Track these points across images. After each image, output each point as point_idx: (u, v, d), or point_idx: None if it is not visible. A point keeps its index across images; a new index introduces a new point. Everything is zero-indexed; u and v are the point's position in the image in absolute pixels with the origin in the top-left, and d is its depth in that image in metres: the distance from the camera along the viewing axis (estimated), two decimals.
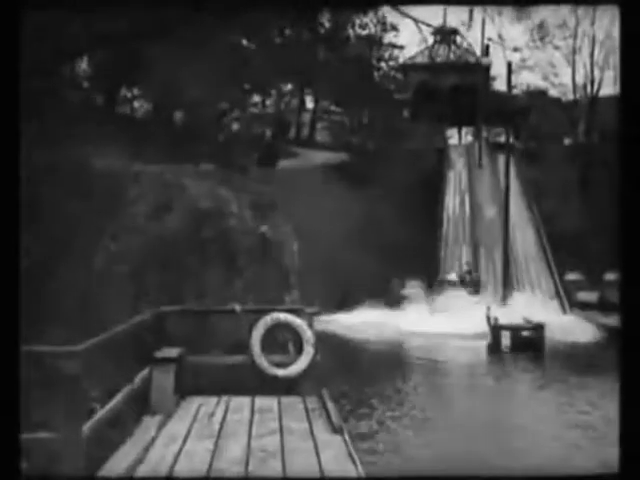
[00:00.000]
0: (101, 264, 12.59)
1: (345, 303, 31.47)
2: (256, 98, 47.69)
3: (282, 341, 11.12)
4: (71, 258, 11.34)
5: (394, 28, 49.17)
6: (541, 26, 44.70)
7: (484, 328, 23.74)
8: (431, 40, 46.39)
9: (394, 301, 32.39)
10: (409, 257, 34.23)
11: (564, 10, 40.92)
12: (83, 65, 28.91)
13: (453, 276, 34.44)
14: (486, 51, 46.72)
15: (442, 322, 26.80)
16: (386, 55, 51.13)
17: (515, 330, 23.65)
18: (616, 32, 33.71)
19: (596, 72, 47.00)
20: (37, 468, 5.63)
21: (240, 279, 14.13)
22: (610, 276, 31.07)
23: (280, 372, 10.38)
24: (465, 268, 35.52)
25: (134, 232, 13.49)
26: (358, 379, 17.19)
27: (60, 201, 11.18)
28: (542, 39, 45.30)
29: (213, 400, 9.69)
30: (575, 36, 46.57)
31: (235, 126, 46.63)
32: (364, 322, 28.39)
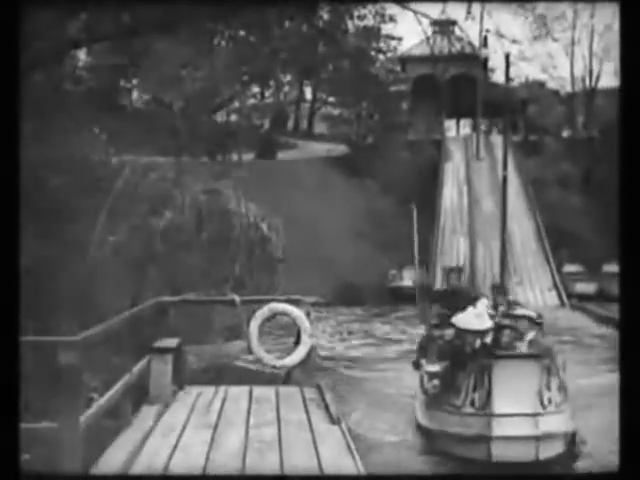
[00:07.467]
0: (101, 256, 12.59)
1: (344, 296, 31.38)
2: (255, 89, 47.60)
3: None
4: (72, 251, 11.33)
5: (392, 19, 48.99)
6: (540, 18, 44.50)
7: None
8: (430, 31, 46.11)
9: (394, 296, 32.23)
10: (407, 248, 34.17)
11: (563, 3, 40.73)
12: (82, 56, 28.83)
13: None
14: (484, 43, 46.52)
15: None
16: (384, 47, 50.95)
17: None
18: (616, 25, 33.63)
19: (595, 64, 46.93)
20: (36, 458, 5.64)
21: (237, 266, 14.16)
22: (609, 268, 31.02)
23: (278, 362, 10.38)
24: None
25: (134, 224, 13.50)
26: None
27: (60, 194, 11.16)
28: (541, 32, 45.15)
29: (211, 390, 9.69)
30: (574, 28, 46.43)
31: (233, 117, 46.59)
32: None
